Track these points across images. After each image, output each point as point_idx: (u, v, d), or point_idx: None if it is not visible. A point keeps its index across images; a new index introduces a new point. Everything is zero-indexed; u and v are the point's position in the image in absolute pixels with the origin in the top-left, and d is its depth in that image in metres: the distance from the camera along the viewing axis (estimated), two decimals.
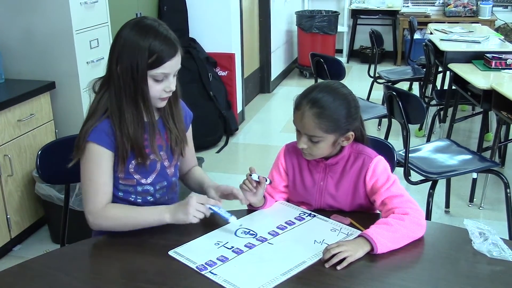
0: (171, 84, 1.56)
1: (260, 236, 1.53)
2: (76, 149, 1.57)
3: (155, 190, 1.69)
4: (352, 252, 1.39)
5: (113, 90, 1.55)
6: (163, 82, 1.54)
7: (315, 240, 1.50)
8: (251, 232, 1.56)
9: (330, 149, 1.61)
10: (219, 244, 1.50)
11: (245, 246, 1.48)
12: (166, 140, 1.67)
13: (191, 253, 1.45)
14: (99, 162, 1.56)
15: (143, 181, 1.66)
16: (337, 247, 1.40)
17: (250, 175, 1.62)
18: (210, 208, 1.54)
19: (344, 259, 1.38)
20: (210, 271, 1.37)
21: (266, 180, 1.64)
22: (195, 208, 1.49)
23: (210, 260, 1.41)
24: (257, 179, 1.62)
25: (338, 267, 1.37)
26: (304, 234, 1.54)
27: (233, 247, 1.48)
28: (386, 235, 1.44)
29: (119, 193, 1.66)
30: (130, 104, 1.55)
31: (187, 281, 1.35)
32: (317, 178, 1.67)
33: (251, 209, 1.69)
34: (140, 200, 1.68)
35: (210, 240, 1.52)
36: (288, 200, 1.75)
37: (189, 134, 1.80)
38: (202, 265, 1.39)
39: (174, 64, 1.54)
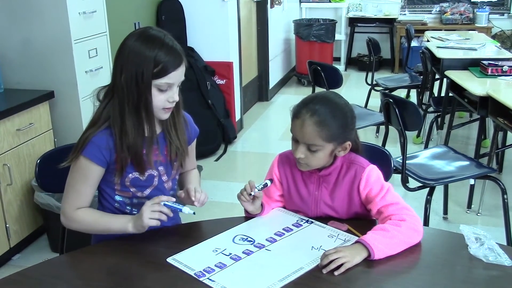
0: (175, 94, 1.57)
1: (258, 243, 1.54)
2: (73, 152, 1.61)
3: None
4: (349, 258, 1.40)
5: (116, 99, 1.56)
6: (166, 92, 1.56)
7: (312, 246, 1.51)
8: (249, 239, 1.57)
9: (326, 159, 1.61)
10: (217, 251, 1.50)
11: (243, 252, 1.49)
12: (165, 155, 1.68)
13: (190, 260, 1.46)
14: (86, 175, 1.60)
15: (139, 194, 1.67)
16: (335, 253, 1.41)
17: (250, 193, 1.63)
18: (165, 205, 1.55)
19: (341, 265, 1.39)
20: (208, 278, 1.37)
21: (267, 185, 1.66)
22: (149, 211, 1.53)
23: (208, 267, 1.42)
24: (253, 194, 1.62)
25: (336, 273, 1.38)
26: (302, 240, 1.55)
27: (231, 253, 1.49)
28: (383, 241, 1.45)
29: (115, 204, 1.68)
30: (132, 113, 1.56)
31: (185, 287, 1.36)
32: (311, 188, 1.68)
33: (249, 216, 1.70)
34: (135, 212, 1.69)
35: (208, 247, 1.53)
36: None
37: (193, 147, 1.81)
38: (200, 271, 1.40)
39: (178, 75, 1.56)
